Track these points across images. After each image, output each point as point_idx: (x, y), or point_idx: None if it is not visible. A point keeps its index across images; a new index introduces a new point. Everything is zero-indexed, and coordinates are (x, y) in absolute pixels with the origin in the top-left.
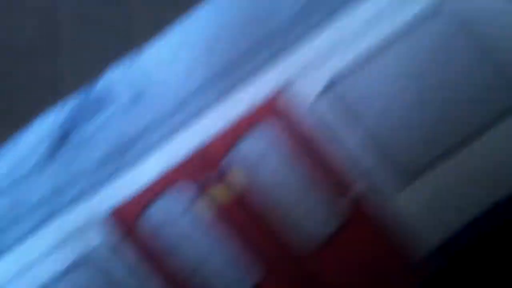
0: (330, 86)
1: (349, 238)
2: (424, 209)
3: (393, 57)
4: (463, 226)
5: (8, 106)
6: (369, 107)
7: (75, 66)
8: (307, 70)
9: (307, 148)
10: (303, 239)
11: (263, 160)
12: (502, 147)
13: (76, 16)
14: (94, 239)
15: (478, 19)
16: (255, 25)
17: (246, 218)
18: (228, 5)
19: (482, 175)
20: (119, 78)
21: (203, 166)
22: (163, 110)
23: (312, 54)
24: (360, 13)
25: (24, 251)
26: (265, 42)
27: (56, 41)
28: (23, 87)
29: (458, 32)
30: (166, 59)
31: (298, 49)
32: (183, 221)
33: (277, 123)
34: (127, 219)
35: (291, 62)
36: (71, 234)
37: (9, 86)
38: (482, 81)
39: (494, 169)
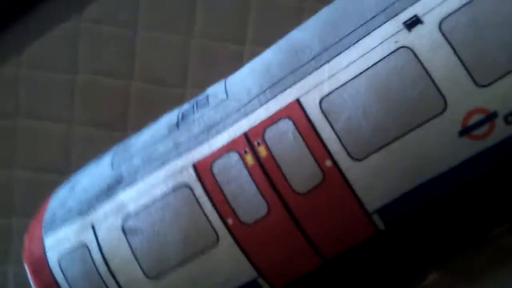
0: (325, 96)
1: (322, 192)
2: (376, 176)
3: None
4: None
5: None
6: (345, 108)
7: None
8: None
9: (308, 131)
10: (295, 185)
11: (281, 140)
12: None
13: None
14: (185, 178)
15: None
16: (295, 58)
17: (263, 170)
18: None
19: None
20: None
21: (247, 140)
22: (236, 104)
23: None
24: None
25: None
26: (300, 69)
27: None
28: None
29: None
30: (244, 72)
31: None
32: (234, 170)
33: (294, 118)
34: (203, 167)
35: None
36: (173, 173)
37: None
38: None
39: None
